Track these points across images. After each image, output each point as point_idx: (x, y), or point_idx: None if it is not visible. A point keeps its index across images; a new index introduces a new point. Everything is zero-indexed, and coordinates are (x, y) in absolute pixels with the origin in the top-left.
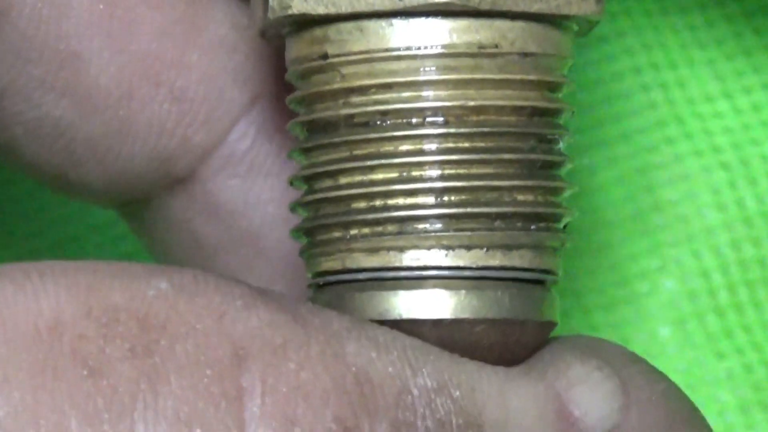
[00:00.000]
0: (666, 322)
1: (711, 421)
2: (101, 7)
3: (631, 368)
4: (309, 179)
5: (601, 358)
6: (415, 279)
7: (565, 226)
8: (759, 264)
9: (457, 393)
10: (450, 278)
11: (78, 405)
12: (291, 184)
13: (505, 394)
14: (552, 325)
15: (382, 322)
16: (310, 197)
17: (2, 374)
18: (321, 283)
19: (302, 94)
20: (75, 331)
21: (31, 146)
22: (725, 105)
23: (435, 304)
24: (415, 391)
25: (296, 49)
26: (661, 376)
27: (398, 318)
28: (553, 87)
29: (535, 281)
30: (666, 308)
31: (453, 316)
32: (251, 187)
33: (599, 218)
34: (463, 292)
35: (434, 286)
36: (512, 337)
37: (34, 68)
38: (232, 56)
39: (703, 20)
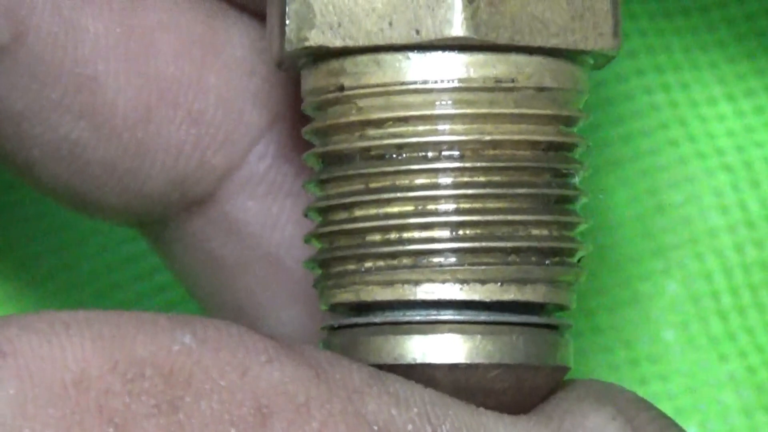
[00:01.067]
0: (669, 325)
1: (714, 423)
2: (118, 30)
3: (643, 416)
4: (324, 211)
5: (614, 407)
6: (430, 323)
7: (579, 260)
8: (762, 267)
9: None
10: (465, 323)
11: None
12: (306, 215)
13: None
14: (566, 369)
15: (397, 366)
16: (325, 229)
17: (30, 430)
18: (336, 326)
19: (318, 126)
20: (101, 386)
21: (48, 168)
22: (728, 107)
23: (450, 348)
24: None
25: (312, 80)
26: (672, 424)
27: (413, 362)
28: (569, 121)
29: (551, 327)
30: (669, 311)
31: (468, 361)
32: (270, 208)
33: (602, 220)
34: (479, 336)
35: (449, 331)
36: (526, 382)
37: (51, 91)
38: (251, 78)
39: (705, 23)
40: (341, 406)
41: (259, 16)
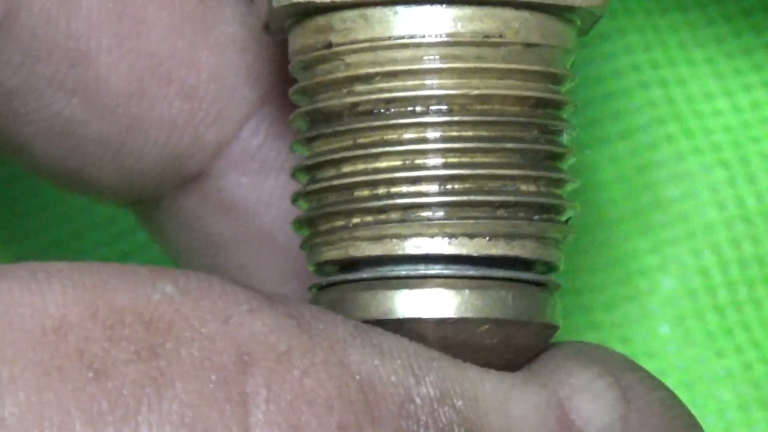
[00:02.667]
0: (666, 320)
1: (710, 419)
2: (110, 5)
3: (631, 376)
4: (312, 169)
5: (602, 366)
6: (419, 278)
7: (567, 220)
8: (758, 262)
9: (460, 402)
10: (454, 277)
11: (82, 407)
12: (293, 175)
13: (508, 402)
14: (554, 328)
15: (386, 321)
16: (313, 186)
17: (8, 374)
18: (324, 284)
19: (305, 84)
20: (81, 332)
21: (42, 146)
22: (725, 103)
23: (438, 303)
24: (418, 401)
25: (300, 39)
26: (661, 385)
27: (401, 317)
28: (556, 79)
29: (538, 283)
30: (666, 306)
31: (457, 316)
32: (263, 184)
33: (600, 216)
34: (467, 291)
35: (438, 286)
36: (515, 338)
37: (44, 67)
38: (242, 54)
39: (702, 19)
40: (323, 355)
41: None
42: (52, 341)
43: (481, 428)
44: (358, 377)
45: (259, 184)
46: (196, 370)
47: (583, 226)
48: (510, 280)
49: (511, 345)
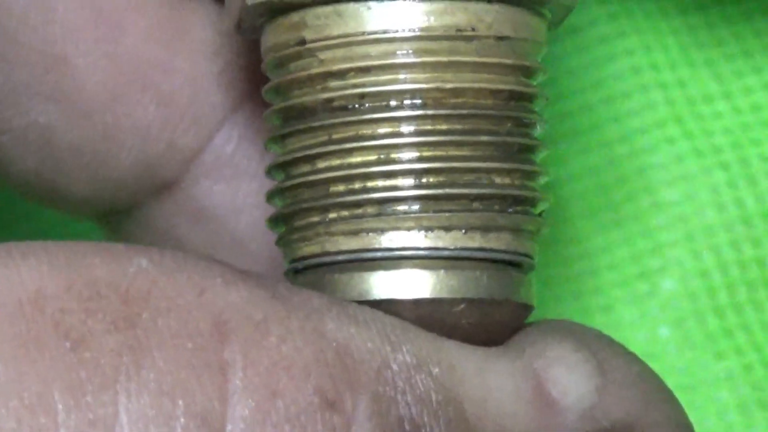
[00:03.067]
0: (666, 322)
1: (710, 421)
2: (87, 11)
3: (607, 351)
4: (287, 165)
5: (579, 341)
6: (395, 259)
7: (541, 213)
8: (758, 264)
9: (437, 370)
10: (429, 258)
11: (61, 376)
12: (268, 173)
13: (484, 372)
14: (529, 308)
15: (362, 303)
16: (288, 183)
17: None
18: (300, 267)
19: (279, 82)
20: (57, 304)
21: (16, 155)
22: (725, 105)
23: (414, 283)
24: (395, 367)
25: (273, 37)
26: (636, 359)
27: (378, 298)
28: (528, 72)
29: (513, 263)
30: (666, 308)
31: (432, 296)
32: (237, 191)
33: (599, 219)
34: (442, 271)
35: (413, 266)
36: (491, 317)
37: (20, 73)
38: (216, 60)
39: (702, 21)
40: (299, 323)
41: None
42: (28, 313)
43: (457, 395)
44: (334, 344)
45: (232, 191)
46: (173, 339)
47: (582, 228)
48: (485, 260)
49: (487, 324)
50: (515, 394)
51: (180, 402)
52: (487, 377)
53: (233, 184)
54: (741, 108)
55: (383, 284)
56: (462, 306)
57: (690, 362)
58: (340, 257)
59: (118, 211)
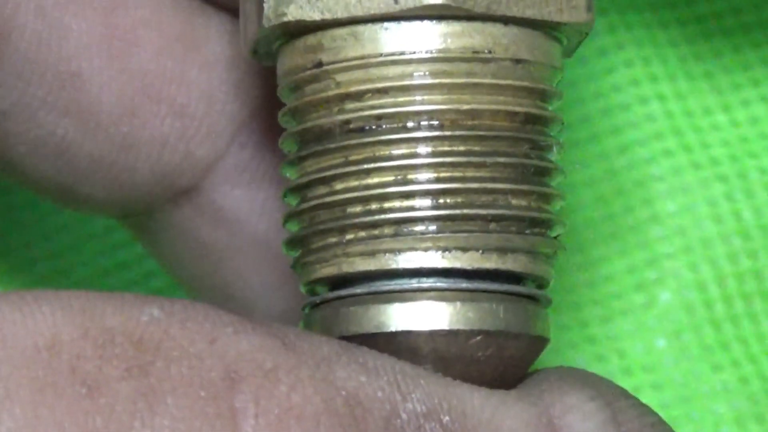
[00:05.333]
0: (663, 334)
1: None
2: (101, 28)
3: (622, 402)
4: (303, 188)
5: (594, 389)
6: (411, 291)
7: (557, 237)
8: (755, 276)
9: (447, 418)
10: (446, 290)
11: (77, 422)
12: (284, 197)
13: (498, 418)
14: (545, 341)
15: (378, 335)
16: (305, 205)
17: (4, 390)
18: (317, 302)
19: (296, 105)
20: (73, 350)
21: (34, 164)
22: (723, 118)
23: (431, 315)
24: (404, 416)
25: (289, 60)
26: (651, 411)
27: (394, 330)
28: (545, 96)
29: (529, 297)
30: (663, 320)
31: (449, 328)
32: (255, 195)
33: (598, 230)
34: (459, 303)
35: (430, 298)
36: (507, 350)
37: (36, 89)
38: (230, 72)
39: (701, 33)
40: (309, 372)
41: (234, 13)
42: (45, 359)
43: None
44: (344, 392)
45: (250, 194)
46: (185, 387)
47: (581, 240)
48: (502, 293)
49: (503, 357)
50: None
51: None
52: (500, 424)
53: (252, 189)
54: (739, 120)
55: (400, 316)
56: (478, 338)
57: (687, 374)
58: (357, 290)
59: (138, 213)
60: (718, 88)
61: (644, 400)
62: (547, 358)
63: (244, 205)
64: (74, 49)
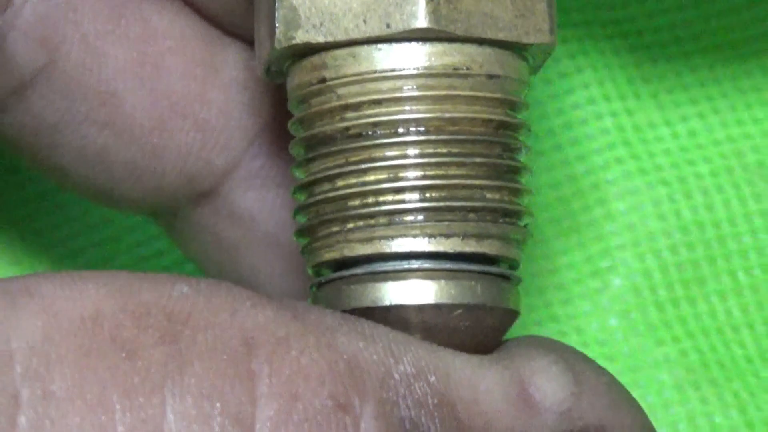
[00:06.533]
0: (614, 314)
1: (651, 398)
2: (134, 55)
3: (582, 365)
4: (310, 185)
5: (558, 354)
6: (403, 271)
7: (526, 225)
8: (693, 265)
9: (433, 378)
10: (432, 270)
11: (118, 381)
12: (293, 194)
13: (476, 378)
14: (516, 313)
15: (375, 309)
16: (312, 200)
17: (56, 355)
18: (323, 281)
19: (303, 115)
20: (113, 321)
21: (78, 170)
22: (666, 131)
23: (419, 292)
24: (397, 376)
25: (297, 77)
26: (606, 372)
27: (388, 304)
28: (514, 106)
29: (503, 276)
30: (614, 302)
31: (434, 302)
32: (265, 197)
33: (560, 226)
34: (443, 281)
35: (418, 277)
36: (484, 321)
37: (80, 106)
38: (244, 92)
39: (647, 59)
40: (315, 339)
41: (247, 41)
42: (89, 328)
43: (451, 399)
44: (345, 356)
45: (262, 196)
46: (210, 352)
47: (546, 235)
48: (479, 272)
49: (481, 327)
50: (503, 396)
51: (217, 404)
52: (478, 383)
53: (263, 191)
54: (679, 133)
55: (393, 292)
56: (460, 311)
57: (634, 348)
58: (357, 270)
59: (165, 212)
60: (662, 105)
61: None
62: (516, 333)
63: (256, 205)
64: (112, 73)
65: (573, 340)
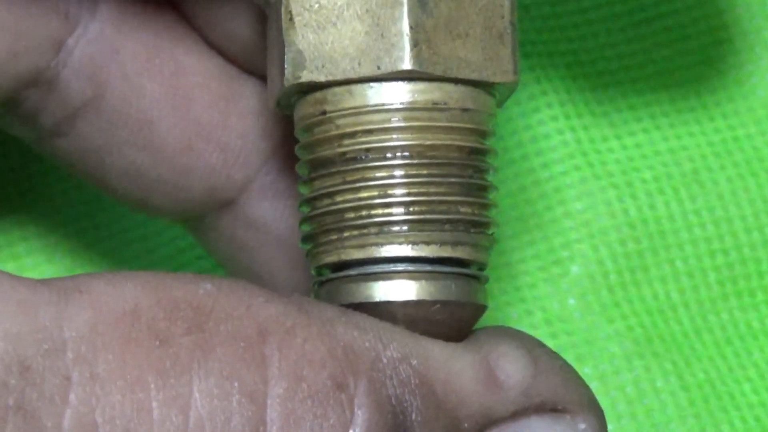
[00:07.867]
0: (573, 296)
1: (604, 366)
2: (167, 88)
3: (539, 350)
4: (313, 200)
5: (519, 341)
6: (390, 272)
7: (492, 234)
8: (638, 255)
9: (415, 362)
10: (414, 272)
11: (152, 365)
12: (299, 207)
13: (450, 361)
14: (484, 307)
15: (366, 304)
16: (314, 212)
17: (101, 342)
18: (323, 280)
19: (307, 141)
20: (149, 314)
21: (119, 184)
22: (616, 143)
23: (403, 290)
24: (385, 360)
25: (302, 109)
26: (559, 356)
27: (378, 300)
28: (484, 135)
29: (473, 277)
30: (573, 286)
31: (416, 299)
32: (277, 206)
33: (526, 223)
34: (423, 281)
35: (403, 278)
36: (457, 314)
37: (121, 131)
38: (259, 120)
39: (601, 84)
40: (317, 329)
41: (261, 77)
42: (129, 320)
43: (430, 379)
44: (342, 343)
45: (274, 206)
46: (230, 340)
47: (516, 230)
48: (454, 274)
49: (455, 319)
50: (473, 377)
51: (235, 383)
52: (452, 365)
53: (274, 201)
54: (627, 145)
55: (381, 291)
56: (437, 306)
57: (590, 324)
58: (352, 271)
59: (192, 219)
60: (612, 123)
61: (559, 343)
62: (490, 315)
63: (268, 213)
64: (148, 104)
65: (538, 318)
